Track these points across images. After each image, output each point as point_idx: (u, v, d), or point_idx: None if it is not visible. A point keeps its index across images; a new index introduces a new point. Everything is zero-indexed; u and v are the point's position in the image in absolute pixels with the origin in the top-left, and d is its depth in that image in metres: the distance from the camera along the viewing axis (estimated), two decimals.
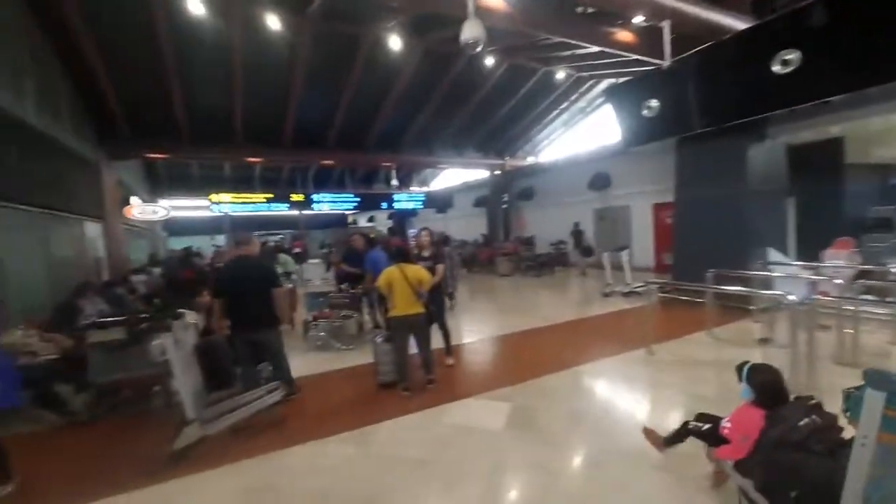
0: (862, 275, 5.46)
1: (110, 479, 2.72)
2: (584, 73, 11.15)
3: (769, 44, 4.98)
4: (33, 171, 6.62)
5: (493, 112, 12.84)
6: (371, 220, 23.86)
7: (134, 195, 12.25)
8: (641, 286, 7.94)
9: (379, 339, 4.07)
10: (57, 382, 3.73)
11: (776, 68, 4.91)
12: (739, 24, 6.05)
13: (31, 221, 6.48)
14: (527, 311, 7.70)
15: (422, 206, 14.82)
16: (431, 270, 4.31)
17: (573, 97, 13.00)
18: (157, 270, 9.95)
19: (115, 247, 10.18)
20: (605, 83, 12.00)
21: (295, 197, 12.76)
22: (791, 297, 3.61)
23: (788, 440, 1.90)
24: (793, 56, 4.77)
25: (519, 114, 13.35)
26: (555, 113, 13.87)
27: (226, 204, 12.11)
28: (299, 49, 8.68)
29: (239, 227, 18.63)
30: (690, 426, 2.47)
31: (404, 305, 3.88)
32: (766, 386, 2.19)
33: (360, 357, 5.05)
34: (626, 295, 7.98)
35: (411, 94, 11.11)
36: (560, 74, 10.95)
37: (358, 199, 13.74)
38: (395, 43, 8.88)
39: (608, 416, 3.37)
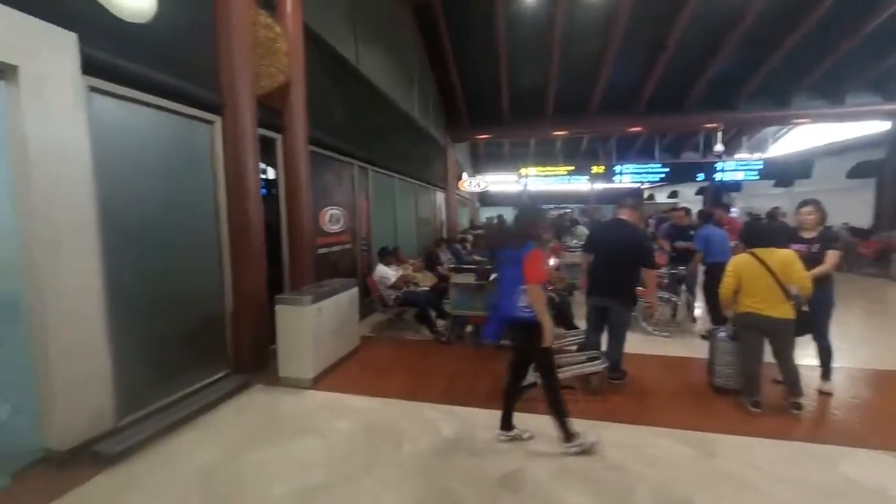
0: None
1: (470, 390, 3.39)
2: None
3: None
4: (415, 154, 9.14)
5: None
6: (673, 194, 20.82)
7: (464, 171, 15.25)
8: None
9: (722, 335, 3.31)
10: (428, 307, 5.04)
11: None
12: None
13: (411, 190, 9.02)
14: None
15: (756, 177, 11.43)
16: (815, 261, 3.13)
17: None
18: (476, 233, 12.14)
19: (451, 212, 13.04)
20: None
21: (596, 169, 12.37)
22: None
23: None
24: None
25: None
26: None
27: (532, 177, 13.16)
28: (621, 5, 8.08)
29: (534, 200, 20.34)
30: None
31: (762, 303, 2.95)
32: None
33: (677, 348, 4.42)
34: None
35: (761, 29, 8.54)
36: None
37: (666, 170, 11.97)
38: None
39: None
